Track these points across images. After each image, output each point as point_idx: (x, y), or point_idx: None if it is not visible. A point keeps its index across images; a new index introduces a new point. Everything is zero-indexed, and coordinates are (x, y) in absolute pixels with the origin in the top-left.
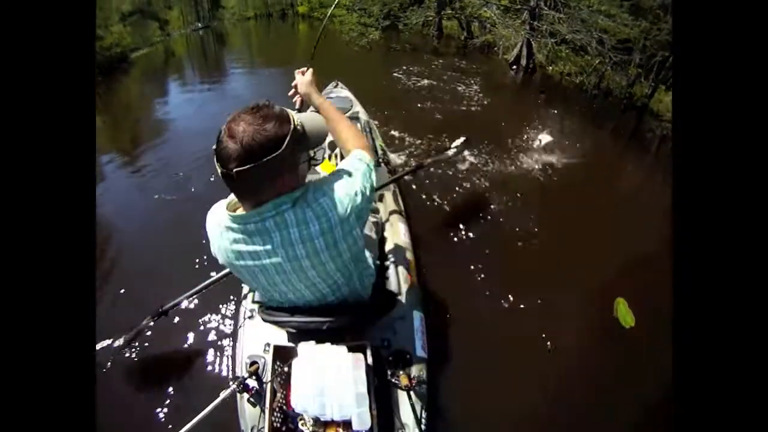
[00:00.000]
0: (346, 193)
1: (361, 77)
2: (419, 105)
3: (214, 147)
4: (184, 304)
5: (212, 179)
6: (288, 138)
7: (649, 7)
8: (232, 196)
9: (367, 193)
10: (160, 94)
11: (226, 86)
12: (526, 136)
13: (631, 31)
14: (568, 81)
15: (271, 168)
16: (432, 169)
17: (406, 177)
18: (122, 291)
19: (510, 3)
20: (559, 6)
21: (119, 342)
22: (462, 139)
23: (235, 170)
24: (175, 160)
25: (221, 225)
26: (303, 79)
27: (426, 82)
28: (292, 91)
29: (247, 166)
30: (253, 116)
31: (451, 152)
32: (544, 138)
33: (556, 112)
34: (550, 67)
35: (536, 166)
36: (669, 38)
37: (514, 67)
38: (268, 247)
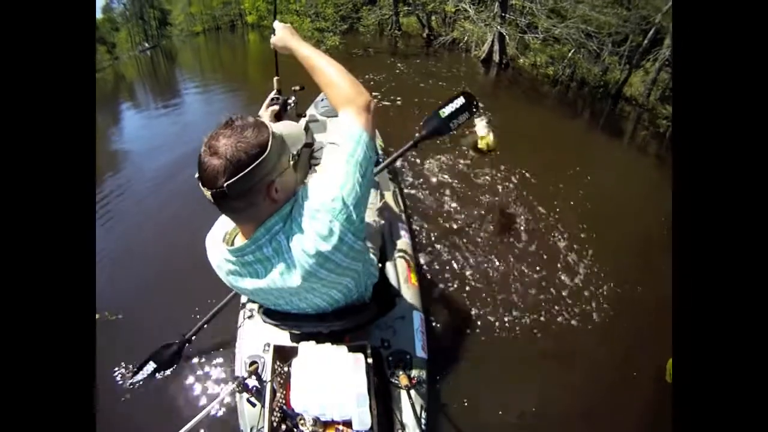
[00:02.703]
0: (325, 201)
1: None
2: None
3: (197, 174)
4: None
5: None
6: (270, 140)
7: None
8: (226, 227)
9: (357, 188)
10: (114, 121)
11: (181, 105)
12: (512, 135)
13: (605, 18)
14: (542, 74)
15: (261, 174)
16: (431, 170)
17: (405, 182)
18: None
19: None
20: None
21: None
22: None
23: (226, 184)
24: (136, 185)
25: (221, 257)
26: (278, 28)
27: (398, 100)
28: (268, 101)
29: (237, 177)
30: (230, 129)
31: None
32: (531, 135)
33: (535, 106)
34: (521, 60)
35: (528, 166)
36: (641, 25)
37: (486, 63)
38: (271, 275)
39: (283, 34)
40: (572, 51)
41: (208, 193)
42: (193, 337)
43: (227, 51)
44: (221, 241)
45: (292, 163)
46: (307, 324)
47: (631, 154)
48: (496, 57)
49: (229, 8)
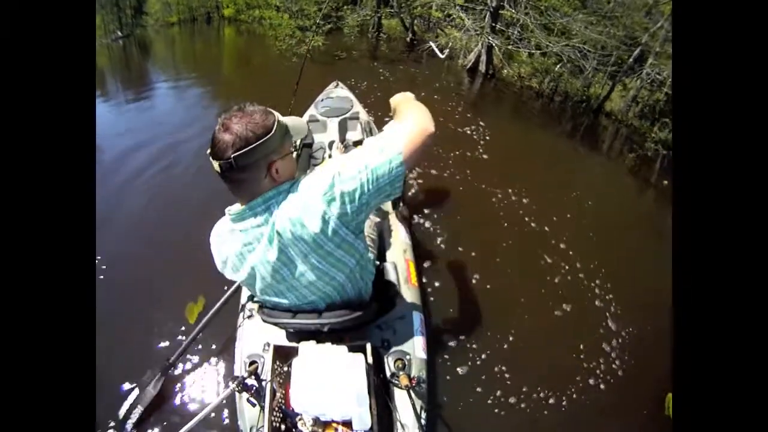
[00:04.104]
0: (332, 193)
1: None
2: None
3: (209, 150)
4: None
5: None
6: (275, 124)
7: (610, 9)
8: (230, 207)
9: (367, 197)
10: None
11: (152, 98)
12: (502, 149)
13: (597, 36)
14: (526, 86)
15: (264, 152)
16: (430, 172)
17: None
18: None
19: (466, 2)
20: (529, 10)
21: (137, 412)
22: None
23: (233, 156)
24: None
25: (226, 230)
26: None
27: (388, 117)
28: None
29: (244, 150)
30: (242, 112)
31: None
32: (522, 150)
33: (522, 119)
34: (505, 70)
35: (518, 181)
36: (628, 44)
37: (472, 73)
38: (265, 245)
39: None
40: (559, 65)
41: (216, 165)
42: (178, 363)
43: (202, 44)
44: (226, 214)
45: (294, 152)
46: (306, 320)
47: (617, 169)
48: (482, 67)
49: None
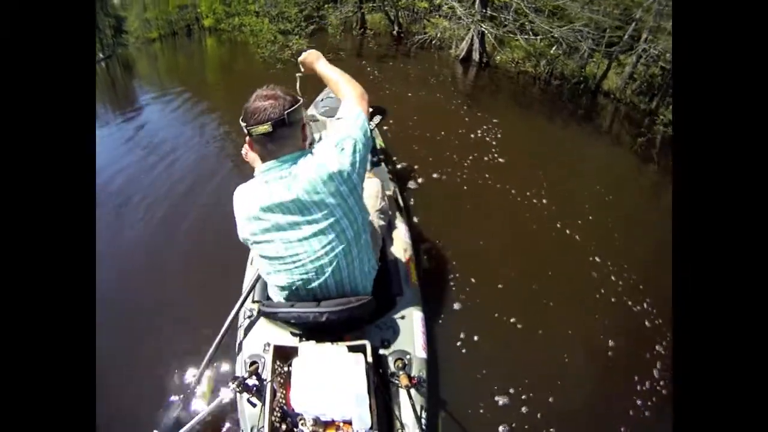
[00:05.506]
0: (341, 145)
1: None
2: None
3: (246, 123)
4: (181, 305)
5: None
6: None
7: None
8: (260, 166)
9: (360, 145)
10: None
11: (142, 118)
12: (509, 143)
13: (597, 17)
14: (522, 71)
15: (301, 113)
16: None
17: (405, 182)
18: None
19: None
20: None
21: None
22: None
23: (287, 112)
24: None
25: (256, 184)
26: (310, 51)
27: (388, 124)
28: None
29: (294, 107)
30: (269, 88)
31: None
32: (527, 143)
33: (523, 108)
34: (498, 56)
35: (526, 174)
36: (623, 20)
37: (465, 63)
38: (289, 193)
39: (312, 55)
40: (554, 47)
41: (267, 126)
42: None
43: (184, 57)
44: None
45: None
46: (304, 309)
47: (626, 154)
48: (475, 56)
49: (185, 12)
